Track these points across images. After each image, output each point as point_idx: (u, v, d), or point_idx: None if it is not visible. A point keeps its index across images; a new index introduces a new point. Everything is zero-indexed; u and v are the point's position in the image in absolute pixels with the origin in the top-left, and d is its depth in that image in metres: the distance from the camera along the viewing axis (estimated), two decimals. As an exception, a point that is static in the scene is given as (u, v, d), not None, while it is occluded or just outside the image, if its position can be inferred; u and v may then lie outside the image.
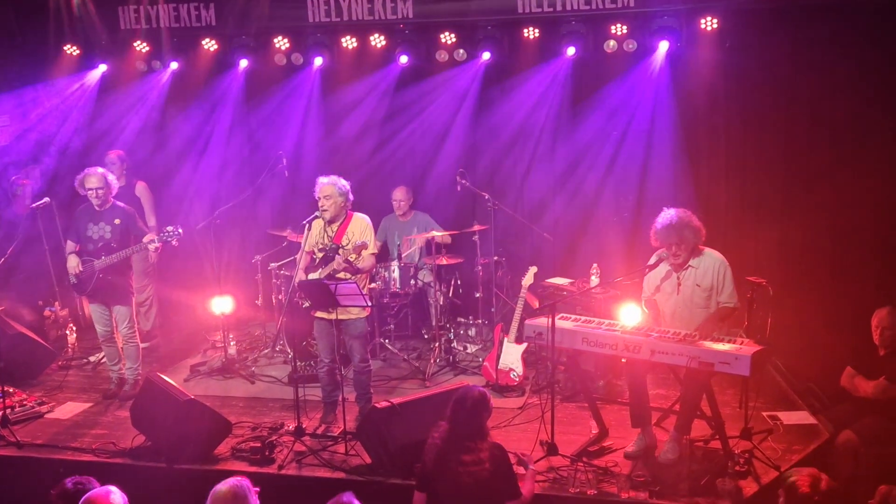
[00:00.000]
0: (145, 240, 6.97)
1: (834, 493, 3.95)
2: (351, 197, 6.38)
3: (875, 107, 7.56)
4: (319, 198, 6.29)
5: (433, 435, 4.72)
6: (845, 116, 7.70)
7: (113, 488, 4.13)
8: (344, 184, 6.35)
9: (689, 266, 5.80)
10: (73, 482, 4.38)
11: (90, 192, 6.98)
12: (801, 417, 6.41)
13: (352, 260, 6.14)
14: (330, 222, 6.34)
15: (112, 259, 6.93)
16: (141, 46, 8.78)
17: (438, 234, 8.16)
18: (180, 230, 6.92)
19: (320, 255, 6.35)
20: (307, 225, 6.32)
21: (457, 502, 4.51)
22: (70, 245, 7.15)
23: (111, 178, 7.14)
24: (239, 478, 4.08)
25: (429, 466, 4.65)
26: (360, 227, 6.35)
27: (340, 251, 6.20)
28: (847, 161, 7.74)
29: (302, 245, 6.47)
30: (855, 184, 7.65)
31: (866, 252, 7.80)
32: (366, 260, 6.27)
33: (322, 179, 6.35)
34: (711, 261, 5.78)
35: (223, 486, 4.02)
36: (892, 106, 7.49)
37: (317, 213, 6.31)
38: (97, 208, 7.05)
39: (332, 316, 6.20)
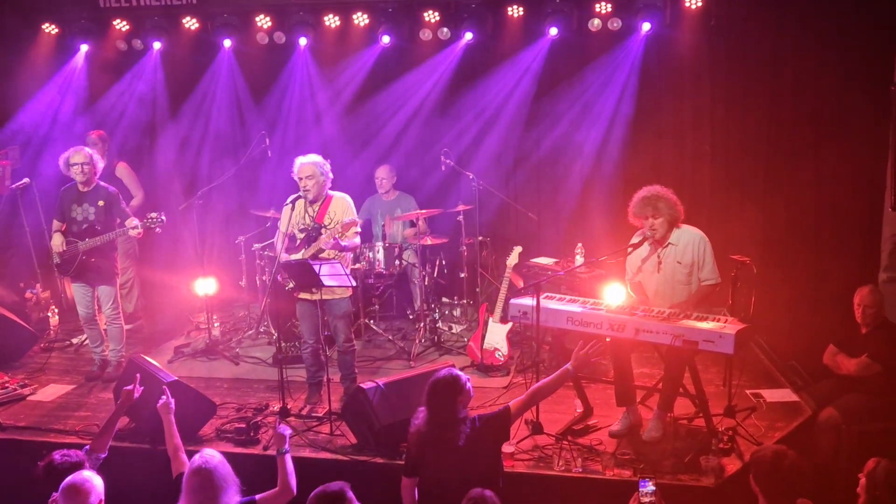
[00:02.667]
0: (128, 224, 6.89)
1: (798, 468, 3.99)
2: (331, 175, 6.34)
3: (857, 84, 7.59)
4: (301, 178, 6.24)
5: (414, 422, 4.70)
6: (828, 94, 7.74)
7: (91, 473, 4.13)
8: (323, 162, 6.31)
9: (670, 244, 5.80)
10: (61, 455, 4.43)
11: (75, 167, 6.86)
12: (784, 395, 6.45)
13: (338, 237, 6.11)
14: (311, 202, 6.30)
15: (96, 242, 6.86)
16: (121, 25, 8.67)
17: (421, 213, 8.14)
18: (163, 217, 6.82)
19: (302, 235, 6.31)
20: (291, 205, 6.27)
21: (443, 486, 4.51)
22: (56, 223, 7.08)
23: (96, 156, 7.06)
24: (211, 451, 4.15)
25: (413, 453, 4.65)
26: (342, 206, 6.32)
27: (323, 231, 6.17)
28: (830, 139, 7.78)
29: (279, 227, 6.44)
30: (838, 162, 7.70)
31: (849, 230, 7.85)
32: (351, 238, 6.25)
33: (301, 159, 6.29)
34: (690, 237, 5.79)
35: (197, 461, 4.07)
36: (874, 83, 7.51)
37: (300, 194, 6.27)
38: (81, 188, 6.96)
39: (316, 297, 6.18)
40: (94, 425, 6.21)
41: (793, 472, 3.97)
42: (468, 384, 4.67)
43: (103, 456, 4.89)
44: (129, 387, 5.33)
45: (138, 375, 5.50)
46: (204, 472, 4.06)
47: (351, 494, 3.97)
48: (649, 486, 4.22)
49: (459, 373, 4.72)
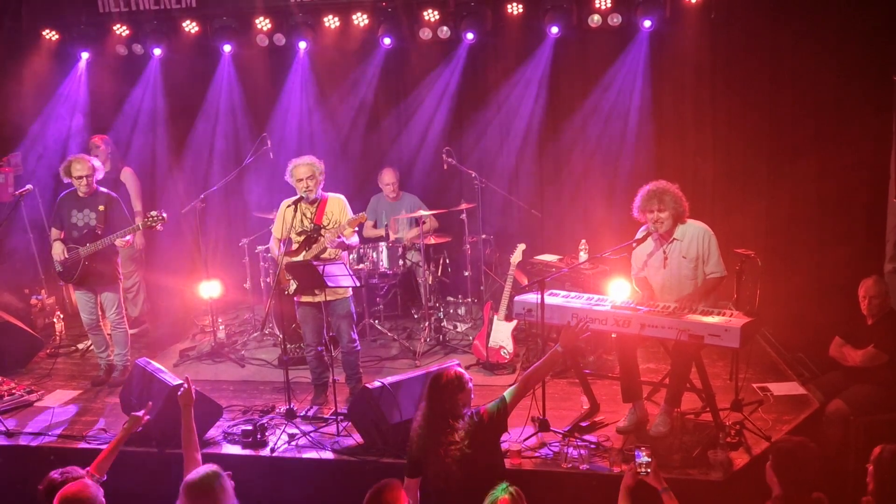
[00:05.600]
0: (118, 241, 6.83)
1: (818, 461, 3.98)
2: (324, 174, 6.36)
3: (859, 75, 7.57)
4: (301, 179, 6.22)
5: (416, 417, 4.69)
6: (830, 85, 7.72)
7: (87, 481, 4.10)
8: (319, 162, 6.32)
9: (675, 239, 5.79)
10: (60, 473, 4.36)
11: (78, 179, 6.84)
12: (791, 388, 6.43)
13: (342, 236, 6.12)
14: (310, 203, 6.31)
15: (97, 246, 6.85)
16: (121, 30, 8.68)
17: (426, 213, 8.13)
18: (164, 215, 6.80)
19: (300, 238, 6.30)
20: (294, 206, 6.27)
21: (444, 482, 4.50)
22: (54, 232, 7.06)
23: (97, 164, 7.05)
24: (209, 465, 4.10)
25: (414, 450, 4.63)
26: (339, 206, 6.33)
27: (324, 231, 6.17)
28: (832, 131, 7.77)
29: (273, 231, 6.46)
30: (840, 153, 7.68)
31: (852, 221, 7.83)
32: (350, 236, 6.26)
33: (297, 161, 6.30)
34: (695, 231, 5.77)
35: (193, 475, 4.03)
36: (876, 74, 7.49)
37: (302, 195, 6.26)
38: (81, 195, 6.96)
39: (319, 298, 6.18)
40: (100, 430, 6.22)
41: (812, 465, 3.97)
42: (470, 384, 4.66)
43: (103, 479, 4.75)
44: (140, 412, 5.17)
45: (150, 403, 5.35)
46: (203, 487, 4.03)
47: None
48: (643, 458, 4.24)
49: (463, 371, 4.71)
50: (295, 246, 6.33)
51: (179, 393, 5.05)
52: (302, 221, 6.32)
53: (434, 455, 4.51)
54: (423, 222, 8.07)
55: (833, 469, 5.53)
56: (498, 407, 4.68)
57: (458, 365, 4.84)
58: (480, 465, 4.49)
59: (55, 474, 4.35)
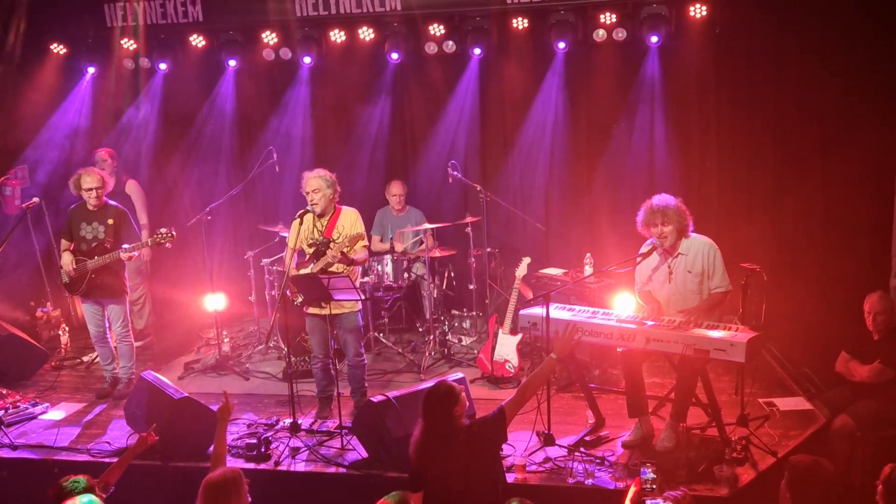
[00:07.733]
0: (123, 254, 6.86)
1: (833, 480, 3.95)
2: (338, 188, 6.36)
3: (863, 87, 7.55)
4: (308, 192, 6.27)
5: (415, 432, 4.69)
6: (834, 98, 7.70)
7: (84, 497, 4.10)
8: (331, 175, 6.33)
9: (679, 253, 5.79)
10: (70, 481, 4.37)
11: (88, 192, 6.87)
12: (797, 403, 6.41)
13: (346, 251, 6.12)
14: (319, 216, 6.33)
15: (105, 259, 6.86)
16: (128, 44, 8.72)
17: (431, 226, 8.13)
18: (174, 232, 6.81)
19: (311, 250, 6.33)
20: (299, 219, 6.29)
21: (444, 493, 4.49)
22: (64, 243, 7.08)
23: (106, 176, 7.08)
24: (233, 467, 4.12)
25: (414, 466, 4.63)
26: (351, 219, 6.34)
27: (332, 245, 6.19)
28: (837, 143, 7.76)
29: (287, 242, 6.47)
30: (845, 166, 7.66)
31: (859, 235, 7.80)
32: (359, 251, 6.27)
33: (308, 174, 6.35)
34: (700, 245, 5.77)
35: (216, 473, 4.06)
36: (879, 86, 7.49)
37: (308, 208, 6.29)
38: (91, 208, 6.98)
39: (325, 311, 6.18)
40: (105, 442, 6.22)
41: (827, 484, 3.93)
42: (464, 393, 4.65)
43: (111, 491, 4.76)
44: (145, 433, 5.17)
45: (154, 424, 5.33)
46: (221, 486, 4.05)
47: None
48: (649, 474, 4.24)
49: (454, 383, 4.71)
50: (307, 257, 6.36)
51: (218, 406, 5.06)
52: (313, 233, 6.34)
53: (434, 467, 4.50)
54: (430, 233, 8.07)
55: (840, 485, 5.50)
56: (496, 417, 4.67)
57: (463, 376, 4.82)
58: (480, 475, 4.48)
59: (65, 481, 4.36)
